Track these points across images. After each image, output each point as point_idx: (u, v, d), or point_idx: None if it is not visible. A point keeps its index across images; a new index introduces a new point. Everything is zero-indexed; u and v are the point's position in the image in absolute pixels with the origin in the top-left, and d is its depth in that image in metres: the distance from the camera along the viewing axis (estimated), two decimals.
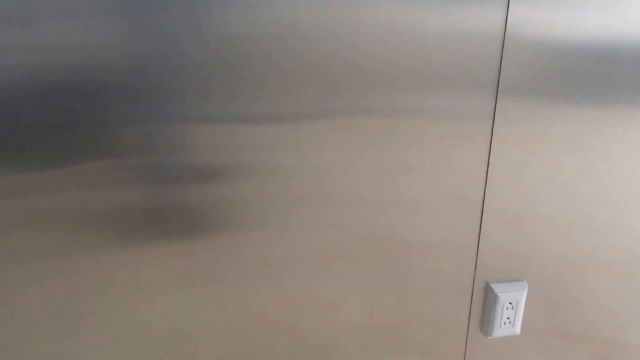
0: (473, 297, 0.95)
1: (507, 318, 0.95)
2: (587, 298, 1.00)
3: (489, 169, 0.86)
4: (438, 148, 0.82)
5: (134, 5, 0.66)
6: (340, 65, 0.74)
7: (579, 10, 0.77)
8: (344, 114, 0.77)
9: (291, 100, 0.75)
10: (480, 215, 0.89)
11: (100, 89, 0.70)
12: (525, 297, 0.95)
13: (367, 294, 0.91)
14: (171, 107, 0.72)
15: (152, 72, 0.70)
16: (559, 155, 0.87)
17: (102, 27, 0.67)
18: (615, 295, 1.01)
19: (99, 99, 0.70)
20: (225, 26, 0.69)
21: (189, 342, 0.87)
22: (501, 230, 0.91)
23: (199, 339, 0.87)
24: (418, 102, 0.79)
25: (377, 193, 0.84)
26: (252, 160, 0.77)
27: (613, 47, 0.81)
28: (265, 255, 0.84)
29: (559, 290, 0.98)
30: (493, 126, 0.83)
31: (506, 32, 0.77)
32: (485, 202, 0.88)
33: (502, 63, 0.79)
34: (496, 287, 0.94)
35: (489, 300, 0.95)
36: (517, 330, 0.98)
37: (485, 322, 0.97)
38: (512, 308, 0.95)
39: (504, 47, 0.78)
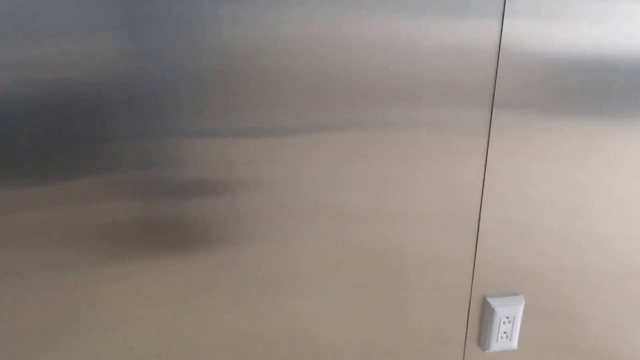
0: (470, 311, 0.95)
1: (504, 332, 0.95)
2: (584, 312, 1.00)
3: (485, 182, 0.85)
4: (434, 161, 0.82)
5: (130, 21, 0.66)
6: (336, 79, 0.74)
7: (573, 24, 0.78)
8: (340, 128, 0.77)
9: (286, 114, 0.75)
10: (476, 228, 0.88)
11: (95, 104, 0.70)
12: (521, 312, 0.94)
13: (364, 308, 0.90)
14: (166, 121, 0.72)
15: (147, 87, 0.70)
16: (556, 167, 0.87)
17: (98, 42, 0.67)
18: (612, 308, 1.01)
19: (95, 114, 0.70)
20: (219, 42, 0.69)
21: (183, 356, 0.86)
22: (498, 243, 0.90)
23: (193, 352, 0.86)
24: (414, 115, 0.79)
25: (373, 206, 0.83)
26: (246, 174, 0.77)
27: (607, 59, 0.81)
28: (260, 269, 0.83)
29: (556, 304, 0.98)
30: (489, 139, 0.83)
31: (501, 46, 0.77)
32: (481, 215, 0.88)
33: (497, 76, 0.79)
34: (493, 302, 0.93)
35: (485, 314, 0.94)
36: (514, 344, 0.97)
37: (483, 336, 0.96)
38: (509, 322, 0.94)
39: (499, 60, 0.78)
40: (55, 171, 0.71)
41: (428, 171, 0.83)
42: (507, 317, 0.94)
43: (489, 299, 0.93)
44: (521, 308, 0.94)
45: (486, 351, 0.97)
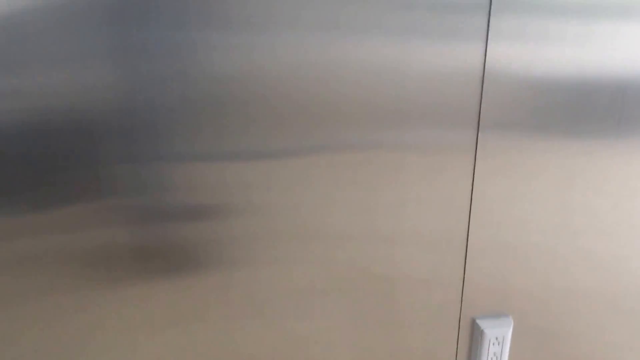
0: (460, 333, 0.94)
1: (494, 354, 0.94)
2: (574, 331, 0.99)
3: (472, 203, 0.85)
4: (422, 182, 0.82)
5: (123, 48, 0.66)
6: (325, 103, 0.75)
7: (556, 46, 0.79)
8: (329, 151, 0.77)
9: (277, 138, 0.75)
10: (465, 249, 0.88)
11: (89, 130, 0.69)
12: (511, 333, 0.94)
13: (354, 331, 0.89)
14: (159, 146, 0.72)
15: (140, 113, 0.70)
16: (542, 187, 0.87)
17: (91, 70, 0.67)
18: (601, 327, 1.01)
19: (88, 140, 0.70)
20: (211, 68, 0.70)
21: None
22: (486, 263, 0.90)
23: None
24: (402, 137, 0.79)
25: (362, 228, 0.83)
26: (240, 198, 0.77)
27: (590, 81, 0.82)
28: (253, 293, 0.83)
29: (546, 324, 0.97)
30: (475, 160, 0.83)
31: (485, 69, 0.78)
32: (469, 236, 0.87)
33: (483, 98, 0.79)
34: (482, 323, 0.92)
35: (475, 336, 0.93)
36: None
37: (472, 358, 0.95)
38: (499, 344, 0.93)
39: (484, 83, 0.78)
40: (48, 198, 0.71)
41: (416, 193, 0.83)
42: (497, 339, 0.93)
43: (478, 321, 0.93)
44: (510, 329, 0.93)
45: None
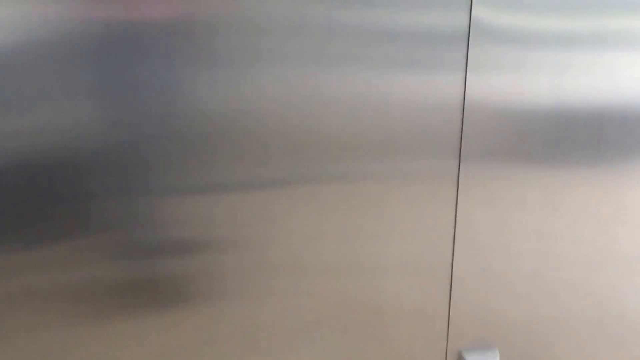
0: None
1: None
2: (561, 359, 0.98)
3: (456, 232, 0.85)
4: (405, 213, 0.81)
5: (112, 84, 0.67)
6: (311, 135, 0.75)
7: (534, 76, 0.79)
8: (315, 182, 0.77)
9: (265, 170, 0.75)
10: (450, 279, 0.87)
11: (77, 165, 0.68)
12: None
13: None
14: (149, 180, 0.71)
15: (130, 147, 0.69)
16: (526, 216, 0.87)
17: (80, 106, 0.66)
18: (589, 355, 1.00)
19: (76, 176, 0.69)
20: (200, 102, 0.70)
21: None
22: (472, 294, 0.89)
23: None
24: (385, 168, 0.78)
25: (348, 259, 0.82)
26: (229, 231, 0.76)
27: (568, 110, 0.83)
28: (242, 326, 0.81)
29: (533, 353, 0.96)
30: (458, 190, 0.82)
31: (465, 99, 0.78)
32: (454, 266, 0.87)
33: (464, 128, 0.79)
34: (468, 356, 0.91)
35: None
36: None
37: None
38: None
39: (464, 113, 0.79)
40: (36, 235, 0.70)
41: (401, 223, 0.82)
42: None
43: (464, 353, 0.91)
44: None
45: None
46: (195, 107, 0.70)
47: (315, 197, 0.78)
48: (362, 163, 0.77)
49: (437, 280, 0.87)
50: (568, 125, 0.83)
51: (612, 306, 0.97)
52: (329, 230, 0.80)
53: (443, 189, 0.82)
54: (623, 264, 0.94)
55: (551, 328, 0.95)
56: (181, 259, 0.76)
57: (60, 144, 0.67)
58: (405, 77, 0.75)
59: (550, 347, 0.97)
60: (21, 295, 0.72)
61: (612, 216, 0.90)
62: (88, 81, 0.66)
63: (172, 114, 0.69)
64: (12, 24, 0.63)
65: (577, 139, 0.84)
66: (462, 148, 0.80)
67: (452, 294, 0.88)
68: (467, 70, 0.77)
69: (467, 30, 0.76)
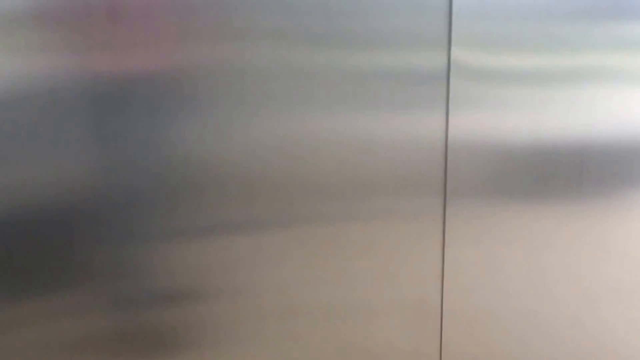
0: None
1: None
2: None
3: (444, 271, 0.84)
4: (393, 253, 0.81)
5: (100, 135, 0.67)
6: (298, 177, 0.75)
7: (515, 113, 0.80)
8: (301, 223, 0.76)
9: (253, 214, 0.74)
10: (440, 319, 0.86)
11: (65, 217, 0.68)
12: None
13: None
14: (138, 229, 0.71)
15: (118, 197, 0.69)
16: (513, 252, 0.86)
17: (68, 157, 0.67)
18: None
19: (65, 227, 0.69)
20: (187, 149, 0.70)
21: None
22: (462, 333, 0.88)
23: None
24: (370, 208, 0.78)
25: (337, 302, 0.81)
26: (218, 277, 0.75)
27: (549, 146, 0.83)
28: None
29: None
30: (445, 228, 0.82)
31: (448, 137, 0.78)
32: (444, 305, 0.85)
33: (448, 166, 0.79)
34: None
35: None
36: None
37: None
38: None
39: (447, 151, 0.79)
40: (26, 288, 0.69)
41: (389, 262, 0.81)
42: None
43: None
44: None
45: None
46: (182, 154, 0.70)
47: (303, 240, 0.77)
48: (348, 203, 0.77)
49: (427, 320, 0.85)
50: (550, 161, 0.84)
51: (605, 341, 0.96)
52: (318, 273, 0.79)
53: (429, 227, 0.81)
54: (611, 297, 0.94)
55: None
56: (173, 307, 0.74)
57: (46, 196, 0.67)
58: (388, 117, 0.76)
59: None
60: (11, 349, 0.70)
61: (597, 250, 0.90)
62: (76, 132, 0.66)
63: (159, 162, 0.69)
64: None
65: (559, 174, 0.85)
66: (447, 186, 0.80)
67: (442, 334, 0.87)
68: (449, 108, 0.77)
69: (447, 69, 0.77)
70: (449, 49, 0.76)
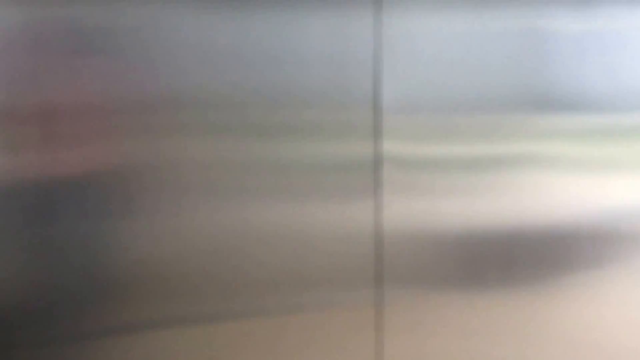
0: None
1: None
2: None
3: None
4: (328, 346, 0.79)
5: (31, 243, 0.65)
6: (234, 271, 0.73)
7: (445, 200, 0.81)
8: (234, 318, 0.74)
9: (190, 309, 0.72)
10: None
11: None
12: None
13: None
14: (67, 328, 0.68)
15: (47, 298, 0.67)
16: (451, 342, 0.85)
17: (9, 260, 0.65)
18: None
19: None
20: (118, 251, 0.69)
21: None
22: None
23: None
24: (302, 300, 0.77)
25: None
26: None
27: (481, 232, 0.84)
28: None
29: None
30: (380, 318, 0.81)
31: (381, 225, 0.79)
32: None
33: (384, 255, 0.79)
34: None
35: None
36: None
37: None
38: None
39: (383, 239, 0.79)
40: None
41: (324, 356, 0.79)
42: None
43: None
44: None
45: None
46: (113, 257, 0.69)
47: (238, 335, 0.75)
48: (280, 296, 0.76)
49: None
50: (480, 247, 0.84)
51: None
52: None
53: (364, 318, 0.80)
54: None
55: None
56: None
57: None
58: (319, 209, 0.76)
59: None
60: None
61: (529, 336, 0.89)
62: (11, 239, 0.65)
63: (94, 265, 0.68)
64: None
65: (489, 260, 0.85)
66: (383, 276, 0.80)
67: None
68: (380, 196, 0.78)
69: (376, 158, 0.78)
70: (377, 139, 0.78)
